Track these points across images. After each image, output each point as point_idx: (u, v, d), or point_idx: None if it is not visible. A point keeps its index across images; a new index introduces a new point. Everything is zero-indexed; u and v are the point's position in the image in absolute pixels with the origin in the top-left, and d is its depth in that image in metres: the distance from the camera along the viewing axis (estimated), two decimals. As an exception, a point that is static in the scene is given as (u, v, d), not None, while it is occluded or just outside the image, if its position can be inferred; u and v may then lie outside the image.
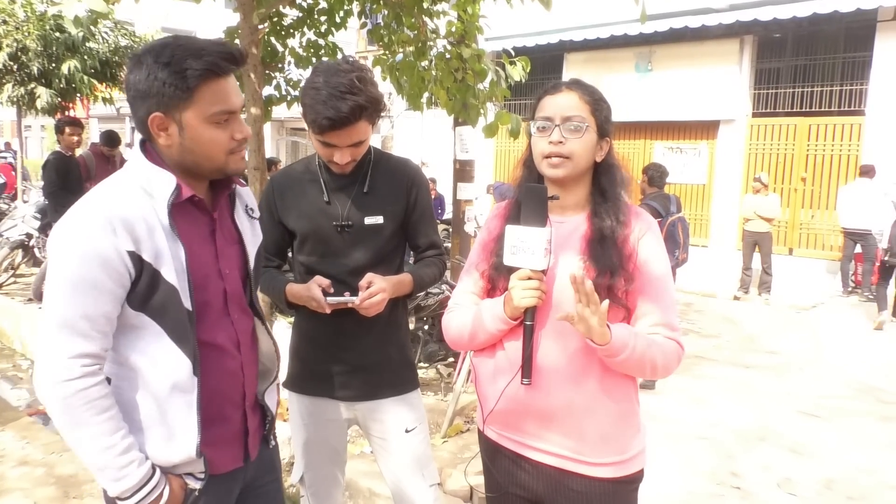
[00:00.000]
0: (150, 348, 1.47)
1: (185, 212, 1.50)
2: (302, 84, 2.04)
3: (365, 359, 2.10)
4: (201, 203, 1.55)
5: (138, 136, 1.57)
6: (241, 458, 1.65)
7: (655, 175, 5.67)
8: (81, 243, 1.37)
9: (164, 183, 1.46)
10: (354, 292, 1.98)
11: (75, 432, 1.39)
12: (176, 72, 1.39)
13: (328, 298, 1.96)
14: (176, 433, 1.48)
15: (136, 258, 1.40)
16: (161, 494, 1.46)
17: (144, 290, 1.43)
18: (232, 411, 1.61)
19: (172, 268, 1.43)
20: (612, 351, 1.51)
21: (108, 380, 1.46)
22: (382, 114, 2.02)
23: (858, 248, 8.99)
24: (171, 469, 1.50)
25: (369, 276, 1.99)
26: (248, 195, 1.74)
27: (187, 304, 1.46)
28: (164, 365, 1.46)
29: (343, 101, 1.84)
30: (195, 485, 1.54)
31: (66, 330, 1.37)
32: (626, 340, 1.52)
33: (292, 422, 2.23)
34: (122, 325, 1.45)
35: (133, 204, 1.42)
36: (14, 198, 11.92)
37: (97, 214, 1.39)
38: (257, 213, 1.77)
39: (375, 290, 1.96)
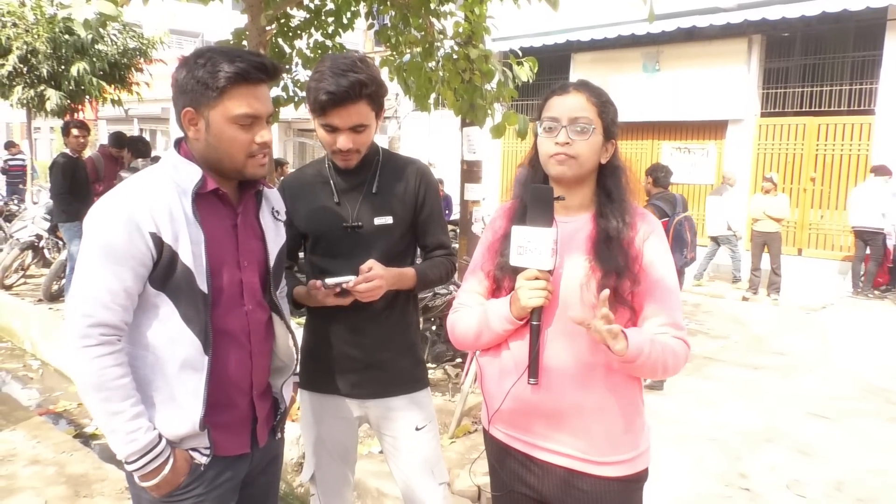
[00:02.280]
0: (165, 326, 1.58)
1: (209, 203, 1.63)
2: None
3: (376, 357, 2.11)
4: (226, 196, 1.67)
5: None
6: (248, 445, 1.75)
7: (661, 176, 5.69)
8: (110, 222, 1.51)
9: (191, 174, 1.60)
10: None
11: (91, 395, 1.51)
12: (209, 73, 1.54)
13: (326, 280, 1.96)
14: (183, 406, 1.59)
15: (157, 240, 1.52)
16: (166, 461, 1.57)
17: (164, 270, 1.55)
18: (239, 398, 1.71)
19: (190, 251, 1.55)
20: (628, 357, 1.51)
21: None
22: (387, 114, 2.03)
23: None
24: (178, 443, 1.61)
25: (370, 262, 1.98)
26: (275, 198, 1.87)
27: (203, 286, 1.58)
28: (176, 342, 1.58)
29: (344, 77, 1.86)
30: (201, 460, 1.64)
31: (90, 299, 1.50)
32: (642, 346, 1.52)
33: (304, 420, 2.24)
34: (143, 302, 1.58)
35: (159, 191, 1.56)
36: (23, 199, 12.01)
37: (127, 198, 1.54)
38: (283, 217, 1.86)
39: (372, 276, 1.95)
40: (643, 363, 1.53)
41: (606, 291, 1.48)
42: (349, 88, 1.87)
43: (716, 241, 9.86)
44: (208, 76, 1.53)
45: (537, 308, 1.57)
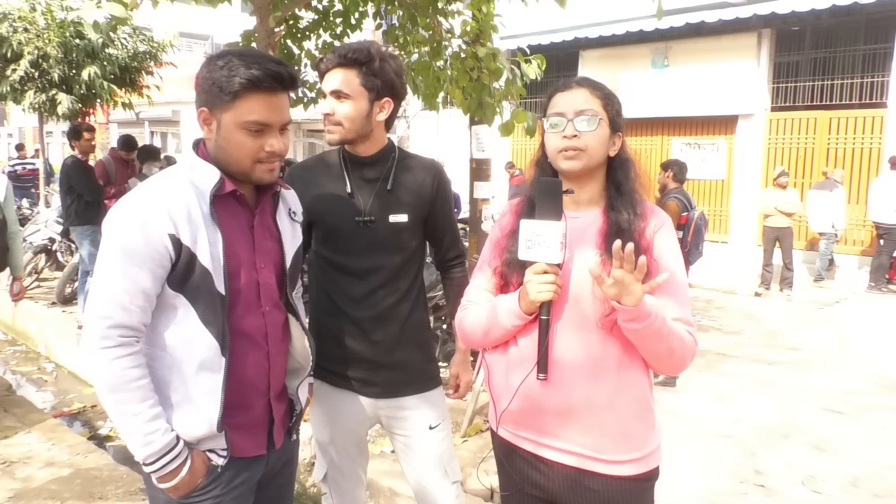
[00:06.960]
0: (183, 327, 1.58)
1: (226, 204, 1.63)
2: (320, 85, 2.06)
3: (389, 357, 2.10)
4: (243, 198, 1.67)
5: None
6: (265, 446, 1.74)
7: (679, 171, 5.71)
8: (128, 224, 1.52)
9: (210, 175, 1.60)
10: (371, 292, 2.04)
11: (109, 396, 1.52)
12: (226, 76, 1.54)
13: None
14: (200, 408, 1.59)
15: (176, 241, 1.52)
16: (184, 463, 1.57)
17: (182, 271, 1.55)
18: (256, 399, 1.71)
19: (208, 253, 1.56)
20: (639, 313, 1.46)
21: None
22: (399, 113, 2.04)
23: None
24: (195, 445, 1.62)
25: (453, 372, 2.35)
26: (293, 199, 1.86)
27: (220, 288, 1.58)
28: (193, 344, 1.58)
29: (346, 48, 1.97)
30: (218, 461, 1.65)
31: (108, 301, 1.51)
32: (653, 308, 1.49)
33: (315, 419, 2.23)
34: (162, 304, 1.58)
35: (178, 193, 1.56)
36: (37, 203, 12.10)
37: (145, 200, 1.54)
38: (300, 217, 1.85)
39: (463, 390, 2.33)
40: (649, 326, 1.49)
41: (631, 245, 1.42)
42: (346, 52, 1.95)
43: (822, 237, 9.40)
44: (224, 79, 1.53)
45: (546, 302, 1.56)
